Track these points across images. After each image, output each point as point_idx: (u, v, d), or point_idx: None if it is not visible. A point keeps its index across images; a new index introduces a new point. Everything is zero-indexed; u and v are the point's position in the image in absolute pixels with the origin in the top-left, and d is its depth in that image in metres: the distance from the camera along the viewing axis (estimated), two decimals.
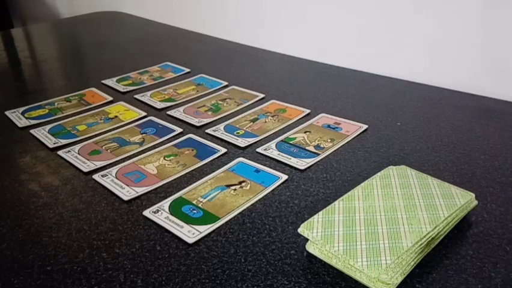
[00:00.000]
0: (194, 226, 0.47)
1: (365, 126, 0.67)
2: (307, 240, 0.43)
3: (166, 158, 0.60)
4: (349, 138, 0.64)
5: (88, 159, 0.60)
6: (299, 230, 0.43)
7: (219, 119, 0.71)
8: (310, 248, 0.42)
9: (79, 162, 0.59)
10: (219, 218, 0.48)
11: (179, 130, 0.68)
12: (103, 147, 0.63)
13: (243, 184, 0.54)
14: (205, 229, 0.46)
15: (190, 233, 0.46)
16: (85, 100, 0.79)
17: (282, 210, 0.49)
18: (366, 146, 0.62)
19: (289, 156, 0.59)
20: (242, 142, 0.64)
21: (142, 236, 0.46)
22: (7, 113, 0.75)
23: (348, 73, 0.90)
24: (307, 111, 0.72)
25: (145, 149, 0.63)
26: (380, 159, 0.58)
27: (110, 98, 0.80)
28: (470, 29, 0.77)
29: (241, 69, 0.94)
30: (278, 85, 0.85)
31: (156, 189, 0.54)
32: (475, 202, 0.47)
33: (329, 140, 0.63)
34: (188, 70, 0.93)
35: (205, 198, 0.52)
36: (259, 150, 0.61)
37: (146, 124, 0.70)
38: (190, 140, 0.65)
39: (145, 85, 0.86)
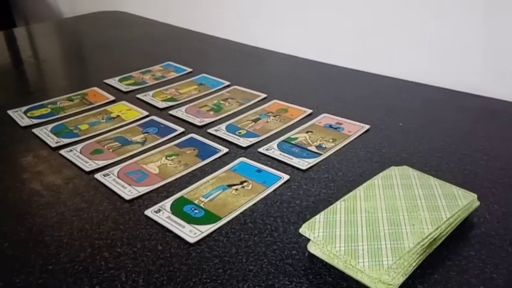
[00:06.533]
0: (195, 226, 0.47)
1: (367, 127, 0.67)
2: (308, 240, 0.43)
3: (167, 158, 0.60)
4: (351, 139, 0.64)
5: (90, 159, 0.60)
6: (301, 230, 0.43)
7: (220, 118, 0.71)
8: (311, 248, 0.42)
9: (81, 161, 0.59)
10: (221, 218, 0.48)
11: (181, 130, 0.68)
12: (105, 147, 0.63)
13: (245, 184, 0.54)
14: (206, 229, 0.46)
15: (191, 233, 0.46)
16: (87, 99, 0.79)
17: (283, 210, 0.49)
18: (368, 146, 0.62)
19: (291, 156, 0.59)
20: (244, 142, 0.63)
21: (143, 235, 0.46)
22: (10, 112, 0.75)
23: (350, 73, 0.90)
24: (309, 111, 0.72)
25: (146, 149, 0.63)
26: (382, 160, 0.58)
27: (113, 98, 0.80)
28: (473, 29, 0.77)
29: (243, 69, 0.94)
30: (280, 85, 0.84)
31: (158, 188, 0.54)
32: (477, 203, 0.46)
33: (330, 140, 0.63)
34: (190, 70, 0.93)
35: (206, 198, 0.52)
36: (261, 150, 0.61)
37: (148, 124, 0.70)
38: (191, 139, 0.65)
39: (147, 85, 0.86)
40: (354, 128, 0.66)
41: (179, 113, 0.73)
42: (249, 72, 0.92)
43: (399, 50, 0.87)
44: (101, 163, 0.59)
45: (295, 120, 0.70)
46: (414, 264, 0.39)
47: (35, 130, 0.68)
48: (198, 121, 0.70)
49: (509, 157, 0.58)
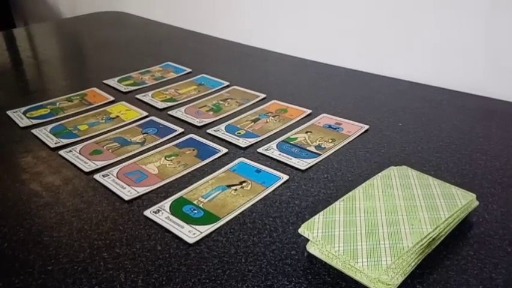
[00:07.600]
0: (195, 226, 0.47)
1: (366, 127, 0.67)
2: (307, 240, 0.43)
3: (167, 158, 0.60)
4: (350, 139, 0.64)
5: (89, 159, 0.60)
6: (300, 231, 0.43)
7: (220, 119, 0.71)
8: (310, 248, 0.42)
9: (80, 162, 0.59)
10: (220, 218, 0.48)
11: (180, 130, 0.68)
12: (104, 147, 0.63)
13: (244, 184, 0.54)
14: (205, 229, 0.46)
15: (190, 233, 0.46)
16: (86, 100, 0.79)
17: (282, 211, 0.49)
18: (367, 146, 0.62)
19: (290, 157, 0.59)
20: (243, 142, 0.63)
21: (142, 236, 0.46)
22: (9, 112, 0.75)
23: (349, 73, 0.90)
24: (309, 111, 0.72)
25: (146, 149, 0.63)
26: (381, 160, 0.58)
27: (112, 98, 0.80)
28: (473, 29, 0.77)
29: (243, 69, 0.94)
30: (279, 85, 0.84)
31: (157, 189, 0.54)
32: (476, 203, 0.47)
33: (330, 140, 0.63)
34: (189, 70, 0.93)
35: (206, 198, 0.52)
36: (260, 150, 0.61)
37: (147, 124, 0.70)
38: (191, 140, 0.65)
39: (146, 85, 0.86)
40: (353, 128, 0.67)
41: (178, 113, 0.73)
42: (249, 73, 0.92)
43: (398, 50, 0.87)
44: (101, 163, 0.59)
45: (294, 121, 0.70)
46: (413, 264, 0.39)
47: (34, 131, 0.68)
48: (197, 121, 0.70)
49: (509, 157, 0.58)
